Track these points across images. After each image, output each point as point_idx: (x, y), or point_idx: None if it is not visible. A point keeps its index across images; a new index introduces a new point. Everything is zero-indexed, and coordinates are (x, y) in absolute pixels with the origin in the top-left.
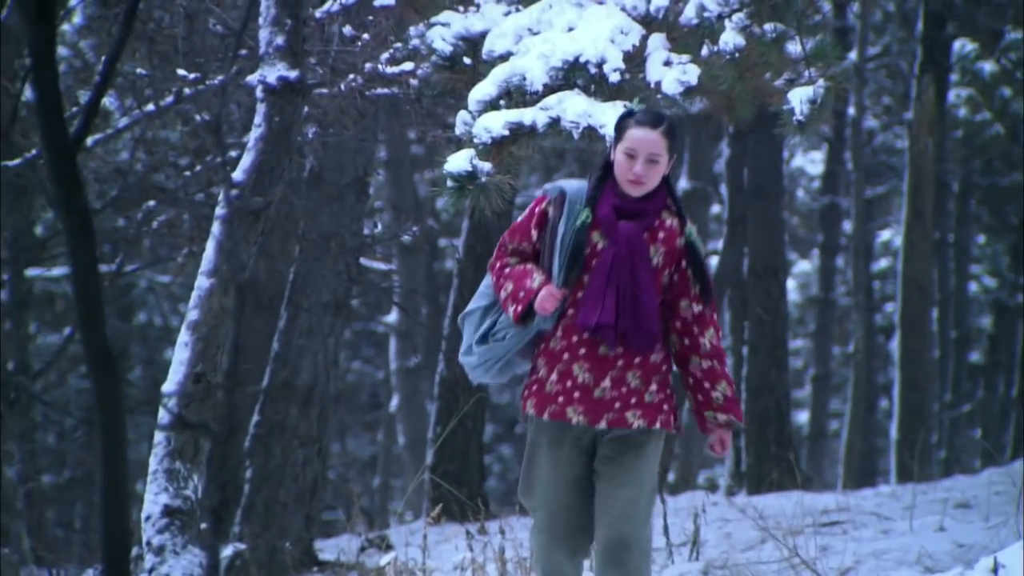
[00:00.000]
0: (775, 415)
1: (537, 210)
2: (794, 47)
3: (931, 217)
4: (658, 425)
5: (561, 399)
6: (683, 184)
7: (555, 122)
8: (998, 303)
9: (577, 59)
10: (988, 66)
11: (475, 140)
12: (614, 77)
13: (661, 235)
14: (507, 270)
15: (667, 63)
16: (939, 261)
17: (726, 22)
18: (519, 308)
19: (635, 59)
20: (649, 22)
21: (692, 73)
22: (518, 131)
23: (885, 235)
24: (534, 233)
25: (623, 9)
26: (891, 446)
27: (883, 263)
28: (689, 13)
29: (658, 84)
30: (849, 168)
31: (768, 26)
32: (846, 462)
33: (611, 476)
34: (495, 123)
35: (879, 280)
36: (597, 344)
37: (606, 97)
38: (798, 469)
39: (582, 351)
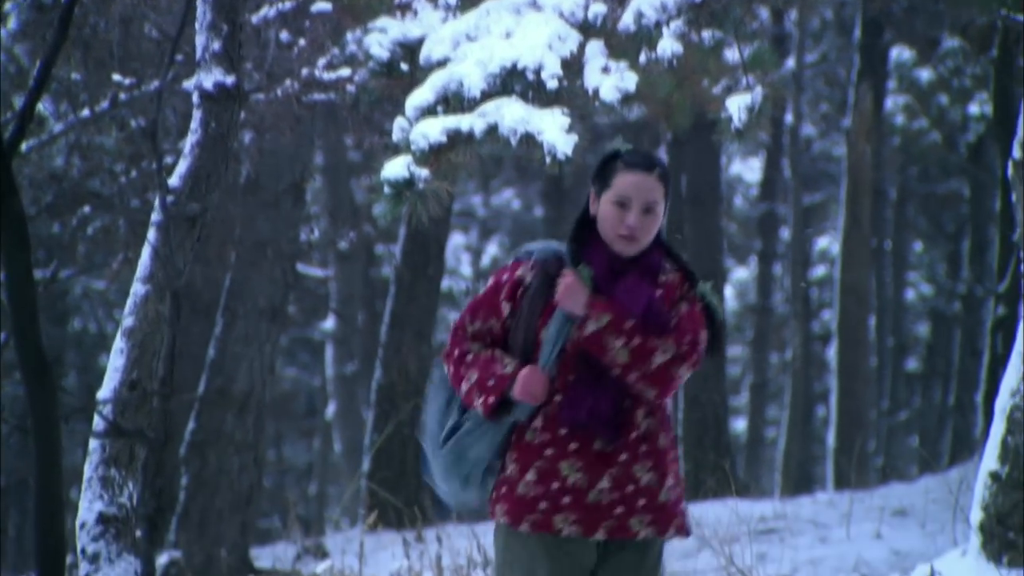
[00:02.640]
0: (712, 423)
1: (508, 279)
2: (732, 54)
3: (868, 224)
4: (671, 532)
5: (544, 505)
6: None
7: (493, 129)
8: (935, 311)
9: (515, 65)
10: (925, 73)
11: (412, 146)
12: (552, 84)
13: (659, 293)
14: (468, 357)
15: (605, 70)
16: (876, 269)
17: (664, 29)
18: (490, 398)
19: (573, 66)
20: (587, 29)
21: (630, 80)
22: (456, 137)
23: (823, 242)
24: (504, 307)
25: (561, 15)
26: (828, 453)
27: (820, 270)
28: (627, 20)
29: (596, 91)
30: (787, 175)
31: (706, 33)
32: (783, 469)
33: None
34: (433, 129)
35: (816, 287)
36: (592, 436)
37: (544, 104)
38: (735, 477)
39: (572, 446)
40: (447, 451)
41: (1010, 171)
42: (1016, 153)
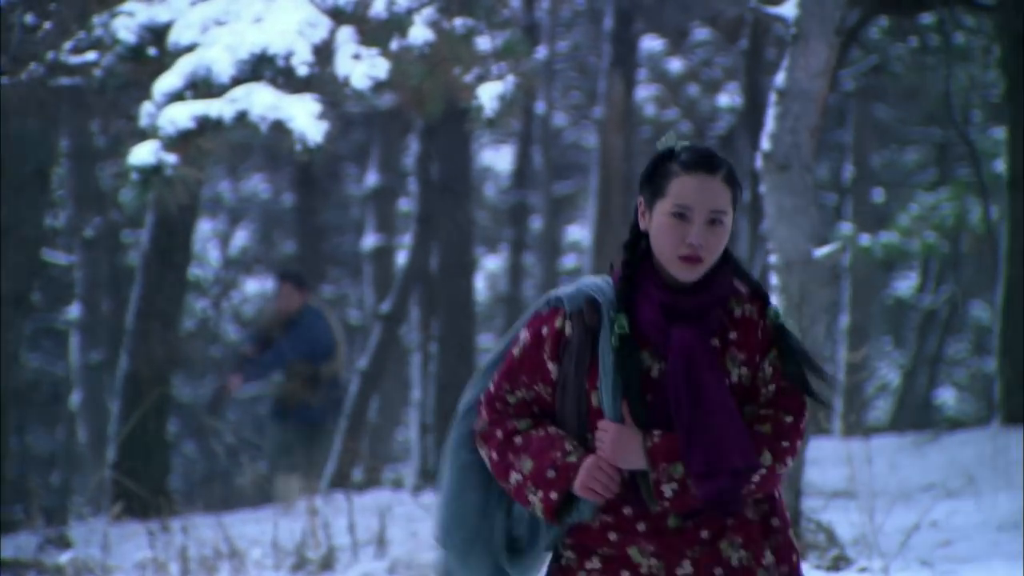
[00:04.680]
0: None
1: (549, 332)
2: (484, 42)
3: (619, 215)
4: None
5: None
6: (372, 179)
7: (243, 115)
8: None
9: (265, 51)
10: (676, 64)
11: (160, 132)
12: (303, 70)
13: (733, 335)
14: (517, 439)
15: (356, 57)
16: None
17: (416, 16)
18: (551, 494)
19: (324, 52)
20: (338, 15)
21: (381, 67)
22: (205, 123)
23: (573, 232)
24: (552, 369)
25: (312, 1)
26: None
27: (571, 260)
28: (379, 6)
29: (347, 78)
30: (538, 165)
31: (458, 21)
32: None
33: None
34: (181, 115)
35: (567, 277)
36: (664, 514)
37: (295, 90)
38: None
39: (641, 526)
40: (519, 563)
41: (759, 162)
42: (765, 145)
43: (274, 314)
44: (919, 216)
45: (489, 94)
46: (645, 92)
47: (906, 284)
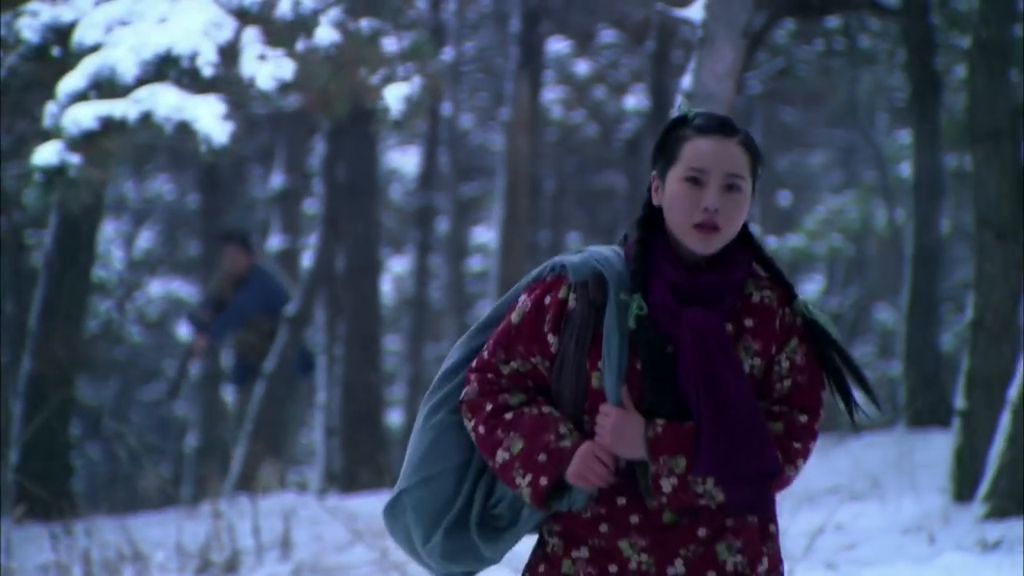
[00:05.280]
0: (367, 415)
1: (551, 301)
2: (391, 44)
3: (525, 217)
4: None
5: None
6: (277, 180)
7: (147, 115)
8: None
9: (169, 52)
10: (582, 66)
11: (64, 133)
12: (208, 71)
13: (749, 322)
14: (507, 415)
15: (262, 57)
16: (533, 262)
17: (322, 17)
18: (541, 479)
19: (230, 53)
20: (244, 15)
21: (287, 68)
22: (109, 124)
23: (480, 235)
24: (552, 341)
25: (217, 2)
26: None
27: (478, 263)
28: (284, 7)
29: (252, 79)
30: (445, 167)
31: (364, 22)
32: None
33: None
34: (85, 115)
35: (474, 280)
36: (660, 509)
37: (200, 91)
38: (390, 469)
39: (635, 519)
40: (491, 539)
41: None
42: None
43: (224, 276)
44: (825, 219)
45: (395, 95)
46: (552, 94)
47: (812, 287)
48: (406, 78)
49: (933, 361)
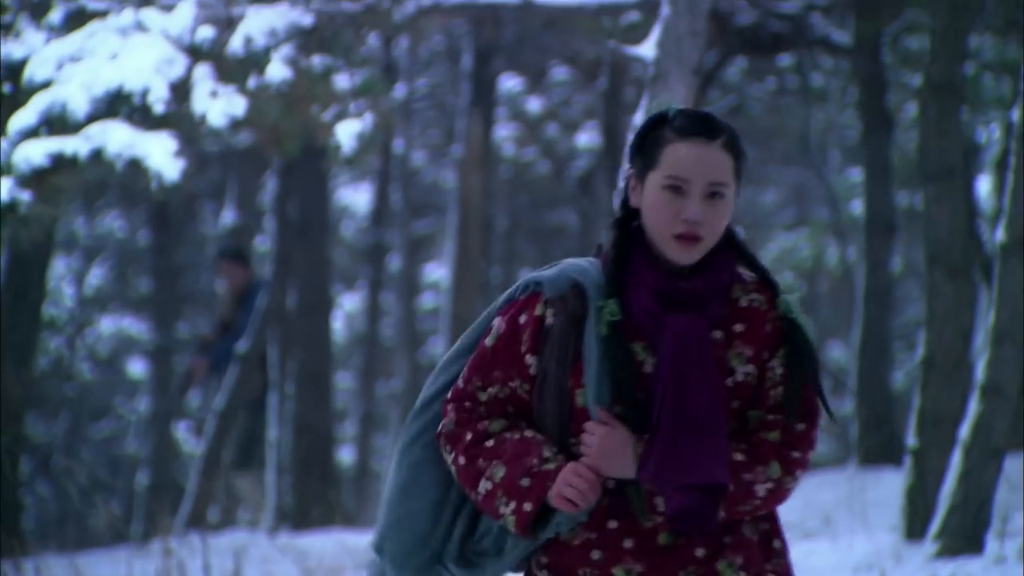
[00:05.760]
0: (319, 452)
1: (527, 320)
2: (343, 80)
3: (478, 254)
4: None
5: None
6: (229, 217)
7: (98, 152)
8: None
9: (121, 89)
10: (535, 103)
11: (15, 169)
12: (159, 107)
13: (739, 327)
14: (488, 443)
15: (214, 94)
16: (485, 299)
17: (274, 54)
18: (527, 506)
19: (181, 89)
20: (196, 52)
21: (238, 105)
22: (60, 161)
23: (432, 272)
24: (530, 363)
25: (168, 38)
26: None
27: (429, 300)
28: (236, 44)
29: (204, 116)
30: (396, 204)
31: (316, 59)
32: None
33: None
34: (36, 152)
35: (426, 317)
36: (655, 530)
37: (151, 127)
38: (341, 507)
39: (628, 543)
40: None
41: (617, 202)
42: (623, 184)
43: (226, 296)
44: (777, 257)
45: (347, 132)
46: (504, 131)
47: None
48: (358, 115)
49: (885, 399)
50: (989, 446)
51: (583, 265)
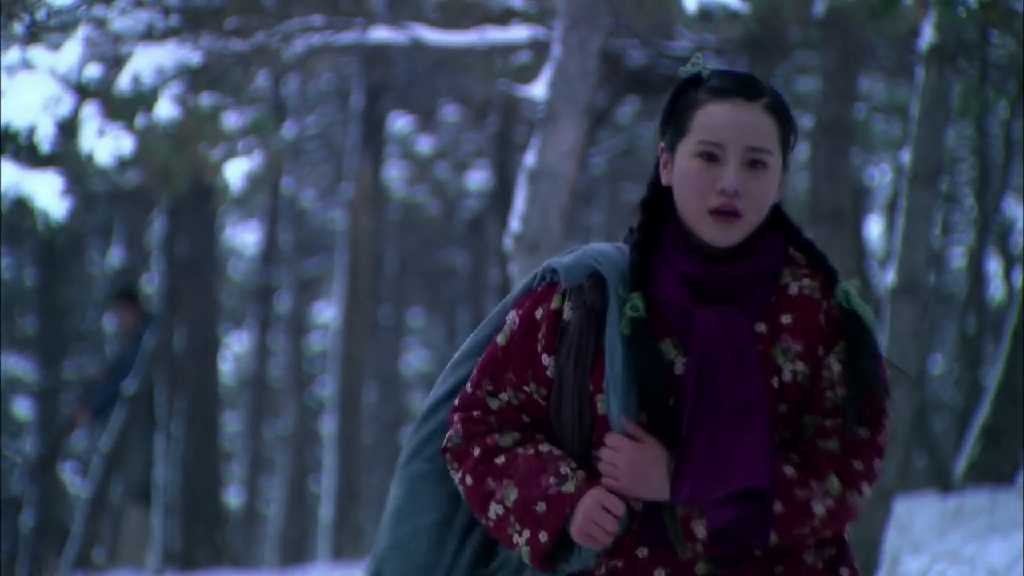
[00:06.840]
0: (205, 494)
1: (543, 314)
2: (231, 119)
3: (367, 294)
4: None
5: None
6: (116, 256)
7: None
8: (429, 378)
9: (8, 127)
10: (425, 143)
11: None
12: (46, 146)
13: (787, 319)
14: (499, 459)
15: (101, 132)
16: (375, 340)
17: (162, 92)
18: (543, 536)
19: (69, 128)
20: (83, 90)
21: (126, 143)
22: None
23: (321, 312)
24: (547, 363)
25: (55, 76)
26: (325, 525)
27: (318, 340)
28: (124, 82)
29: (91, 154)
30: (285, 243)
31: (205, 97)
32: (279, 541)
33: None
34: None
35: (316, 358)
36: (692, 560)
37: (38, 166)
38: (228, 548)
39: (660, 573)
40: None
41: (508, 243)
42: (515, 225)
43: (118, 335)
44: None
45: (236, 171)
46: (394, 171)
47: None
48: (247, 154)
49: None
50: (879, 488)
51: (607, 250)
